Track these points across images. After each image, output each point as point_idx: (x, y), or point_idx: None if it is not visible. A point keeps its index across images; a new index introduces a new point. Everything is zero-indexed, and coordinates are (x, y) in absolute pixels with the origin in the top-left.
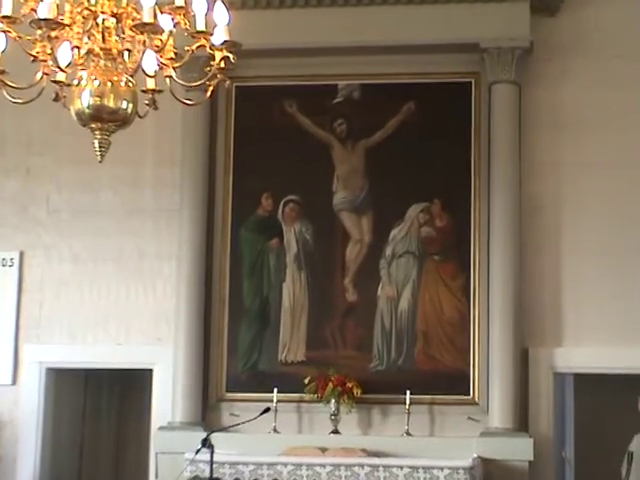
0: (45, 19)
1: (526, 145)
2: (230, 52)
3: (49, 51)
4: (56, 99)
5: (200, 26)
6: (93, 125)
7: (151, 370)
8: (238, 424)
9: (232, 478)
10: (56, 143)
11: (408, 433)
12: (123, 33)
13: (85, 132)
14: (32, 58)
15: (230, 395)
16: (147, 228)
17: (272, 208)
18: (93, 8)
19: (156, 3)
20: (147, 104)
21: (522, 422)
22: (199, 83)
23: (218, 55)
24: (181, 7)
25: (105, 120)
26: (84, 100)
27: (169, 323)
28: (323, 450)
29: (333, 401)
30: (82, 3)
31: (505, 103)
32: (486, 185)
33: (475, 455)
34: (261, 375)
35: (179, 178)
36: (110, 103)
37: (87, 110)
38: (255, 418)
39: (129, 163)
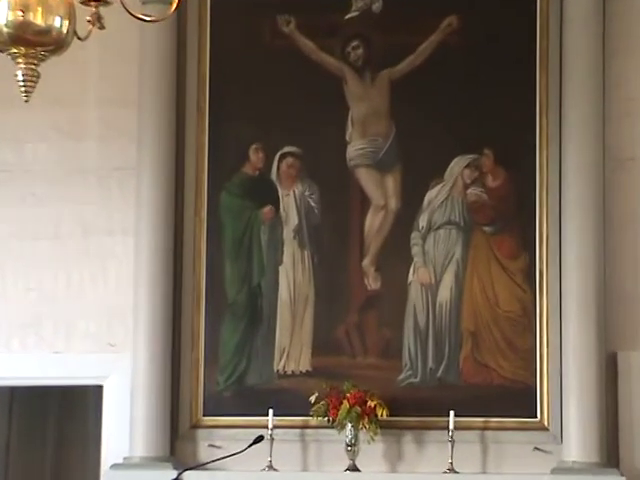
0: None
1: (612, 74)
2: None
3: None
4: None
5: None
6: (15, 50)
7: (100, 387)
8: (220, 459)
9: None
10: None
11: (452, 469)
12: None
13: (4, 61)
14: None
15: (209, 420)
16: (92, 194)
17: (263, 164)
18: None
19: None
20: (89, 21)
21: (611, 453)
22: None
23: None
24: None
25: (31, 43)
26: (1, 16)
27: (125, 323)
28: None
29: (349, 426)
30: None
31: (584, 15)
32: (556, 130)
33: None
34: (251, 392)
35: (135, 125)
36: (37, 19)
37: (6, 29)
38: (243, 450)
39: (66, 104)
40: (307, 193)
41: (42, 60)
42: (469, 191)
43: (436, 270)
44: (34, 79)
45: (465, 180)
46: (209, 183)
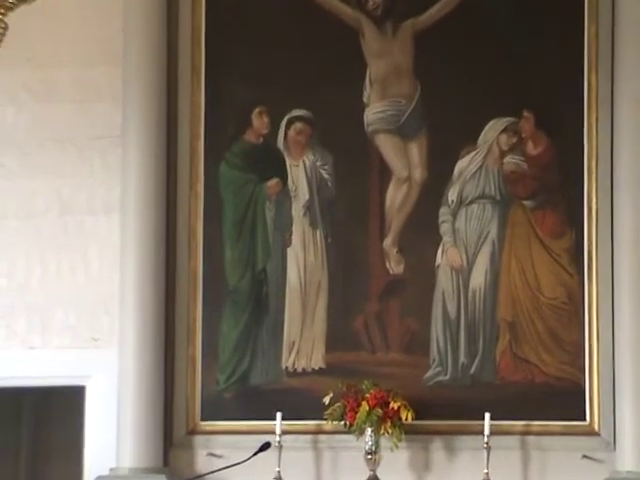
0: None
1: None
2: None
3: None
4: None
5: None
6: None
7: (82, 388)
8: (221, 469)
9: None
10: None
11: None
12: None
13: None
14: None
15: (208, 425)
16: (71, 166)
17: (269, 131)
18: None
19: None
20: None
21: None
22: None
23: None
24: None
25: None
26: None
27: (110, 315)
28: None
29: (369, 431)
30: None
31: None
32: (608, 88)
33: None
34: (256, 392)
35: (120, 86)
36: None
37: None
38: (247, 460)
39: (40, 62)
40: (319, 163)
41: (10, 9)
42: (506, 160)
43: (468, 251)
44: (1, 30)
45: (501, 147)
46: (206, 153)
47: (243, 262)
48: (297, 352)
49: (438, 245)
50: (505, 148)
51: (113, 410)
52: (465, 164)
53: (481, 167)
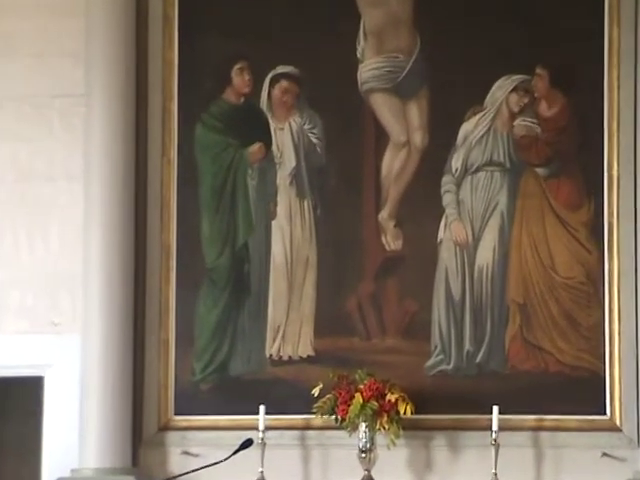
0: None
1: None
2: None
3: None
4: None
5: None
6: None
7: (41, 378)
8: (198, 469)
9: None
10: None
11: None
12: None
13: None
14: None
15: (182, 420)
16: (28, 128)
17: (250, 90)
18: None
19: None
20: None
21: None
22: None
23: None
24: None
25: None
26: None
27: (72, 295)
28: None
29: (364, 427)
30: None
31: None
32: (631, 42)
33: None
34: (236, 383)
35: (82, 39)
36: None
37: None
38: (228, 458)
39: None
40: (307, 126)
41: None
42: (517, 122)
43: (474, 225)
44: None
45: (511, 108)
46: (180, 114)
47: (222, 236)
48: (282, 338)
49: (440, 218)
50: (515, 109)
51: (75, 403)
52: (471, 127)
53: (488, 130)
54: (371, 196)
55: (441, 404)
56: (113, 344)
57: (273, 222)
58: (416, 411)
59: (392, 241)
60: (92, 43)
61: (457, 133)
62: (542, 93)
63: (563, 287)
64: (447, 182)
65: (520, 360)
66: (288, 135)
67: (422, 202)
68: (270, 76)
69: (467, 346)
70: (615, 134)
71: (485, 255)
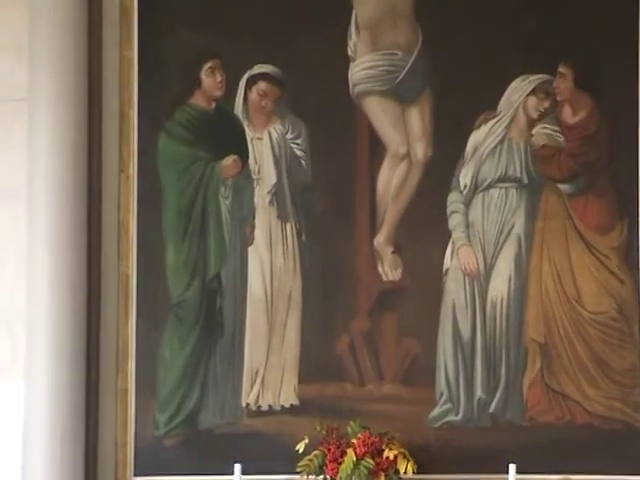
0: None
1: None
2: None
3: None
4: None
5: None
6: None
7: None
8: None
9: None
10: None
11: None
12: None
13: None
14: None
15: None
16: None
17: (223, 92)
18: None
19: None
20: None
21: None
22: None
23: None
24: None
25: None
26: None
27: (13, 335)
28: None
29: None
30: None
31: None
32: None
33: None
34: (208, 438)
35: (26, 31)
36: None
37: None
38: None
39: None
40: (290, 136)
41: None
42: (536, 130)
43: (486, 251)
44: None
45: (530, 114)
46: (140, 122)
47: (190, 266)
48: (262, 384)
49: (446, 243)
50: (534, 115)
51: (16, 463)
52: (481, 137)
53: (503, 140)
54: (365, 218)
55: (448, 462)
56: (61, 393)
57: (250, 249)
58: (419, 470)
59: (390, 270)
60: (36, 37)
61: (466, 143)
62: (566, 96)
63: (591, 324)
64: (454, 201)
65: (541, 410)
66: (267, 146)
67: (425, 225)
68: (246, 77)
69: (478, 393)
70: None
71: (499, 287)
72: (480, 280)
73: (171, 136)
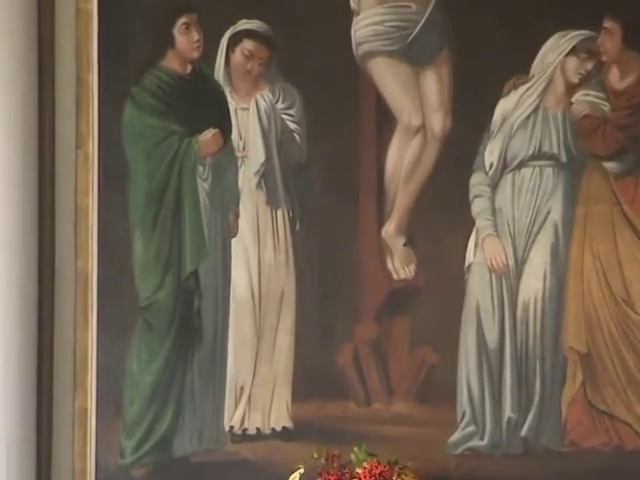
0: None
1: None
2: None
3: None
4: None
5: None
6: None
7: None
8: None
9: None
10: None
11: None
12: None
13: None
14: None
15: None
16: None
17: (201, 54)
18: None
19: None
20: None
21: None
22: None
23: None
24: None
25: None
26: None
27: None
28: None
29: None
30: None
31: None
32: None
33: None
34: (183, 467)
35: None
36: None
37: None
38: None
39: None
40: (281, 106)
41: None
42: (577, 97)
43: (517, 242)
44: None
45: (569, 77)
46: (102, 89)
47: (162, 261)
48: (248, 403)
49: (469, 234)
50: (575, 79)
51: None
52: (511, 106)
53: (536, 110)
54: (371, 204)
55: None
56: (7, 414)
57: (234, 241)
58: None
59: (401, 267)
60: None
61: (492, 114)
62: (612, 56)
63: None
64: (478, 183)
65: (583, 433)
66: (254, 118)
67: (443, 211)
68: (228, 35)
69: (508, 413)
70: None
71: (532, 285)
72: (509, 277)
73: (138, 106)
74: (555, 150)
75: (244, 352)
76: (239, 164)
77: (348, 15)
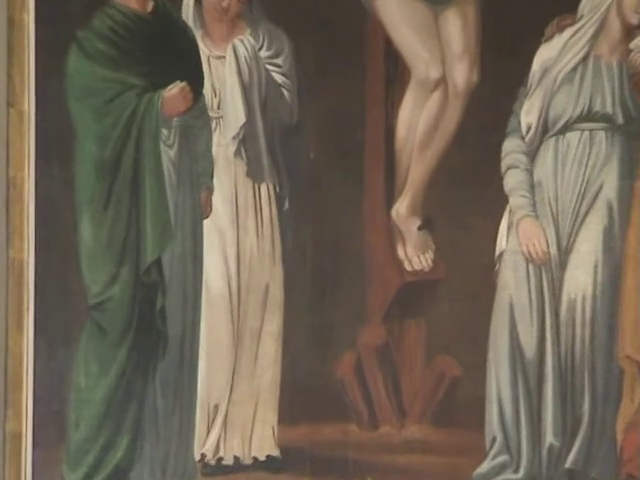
0: None
1: None
2: None
3: None
4: None
5: None
6: None
7: None
8: None
9: None
10: None
11: None
12: None
13: None
14: None
15: None
16: None
17: None
18: None
19: None
20: None
21: None
22: None
23: None
24: None
25: None
26: None
27: None
28: None
29: None
30: None
31: None
32: None
33: None
34: None
35: None
36: None
37: None
38: None
39: None
40: (266, 54)
41: None
42: (636, 43)
43: (560, 225)
44: None
45: (627, 18)
46: (40, 32)
47: (116, 249)
48: (224, 427)
49: (500, 214)
50: (634, 20)
51: None
52: (553, 54)
53: (586, 59)
54: (378, 177)
55: None
56: None
57: (207, 223)
58: None
59: (415, 255)
60: None
61: (530, 64)
62: None
63: None
64: (513, 151)
65: None
66: (232, 69)
67: (467, 187)
68: None
69: (549, 439)
70: None
71: (580, 279)
72: (551, 269)
73: (86, 53)
74: (609, 109)
75: (219, 362)
76: (213, 127)
77: None
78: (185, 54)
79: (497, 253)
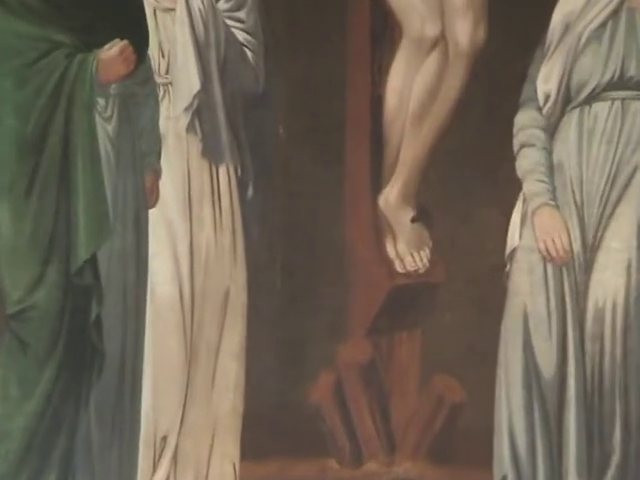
0: None
1: None
2: None
3: None
4: None
5: None
6: None
7: None
8: None
9: None
10: None
11: None
12: None
13: None
14: None
15: None
16: None
17: None
18: None
19: None
20: None
21: None
22: None
23: None
24: None
25: None
26: None
27: None
28: None
29: None
30: None
31: None
32: None
33: None
34: None
35: None
36: None
37: None
38: None
39: None
40: (225, 6)
41: None
42: None
43: (586, 216)
44: None
45: None
46: None
47: (42, 246)
48: (174, 462)
49: (512, 203)
50: None
51: None
52: (577, 7)
53: (617, 13)
54: (363, 157)
55: None
56: None
57: (152, 214)
58: None
59: (408, 253)
60: None
61: (548, 20)
62: None
63: None
64: (527, 125)
65: None
66: (184, 24)
67: (471, 170)
68: None
69: (572, 478)
70: None
71: (610, 282)
72: (574, 270)
73: (3, 4)
74: None
75: (168, 385)
76: (161, 95)
77: None
78: (125, 5)
79: (508, 251)
